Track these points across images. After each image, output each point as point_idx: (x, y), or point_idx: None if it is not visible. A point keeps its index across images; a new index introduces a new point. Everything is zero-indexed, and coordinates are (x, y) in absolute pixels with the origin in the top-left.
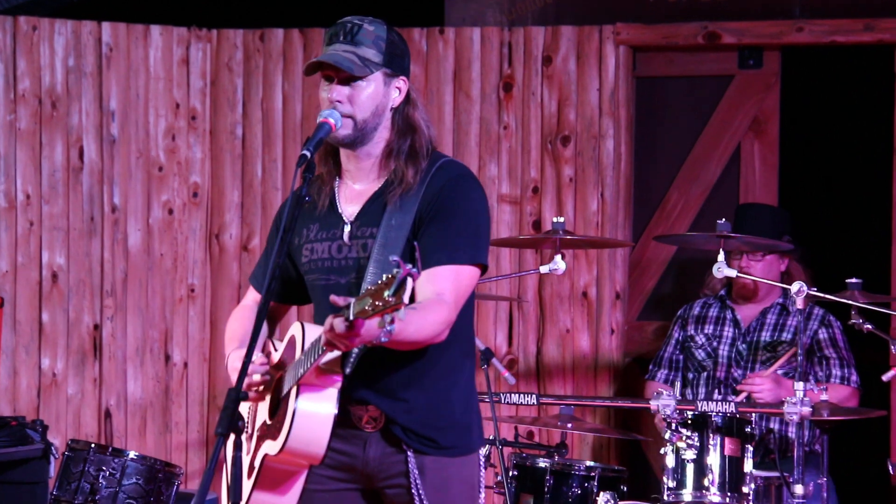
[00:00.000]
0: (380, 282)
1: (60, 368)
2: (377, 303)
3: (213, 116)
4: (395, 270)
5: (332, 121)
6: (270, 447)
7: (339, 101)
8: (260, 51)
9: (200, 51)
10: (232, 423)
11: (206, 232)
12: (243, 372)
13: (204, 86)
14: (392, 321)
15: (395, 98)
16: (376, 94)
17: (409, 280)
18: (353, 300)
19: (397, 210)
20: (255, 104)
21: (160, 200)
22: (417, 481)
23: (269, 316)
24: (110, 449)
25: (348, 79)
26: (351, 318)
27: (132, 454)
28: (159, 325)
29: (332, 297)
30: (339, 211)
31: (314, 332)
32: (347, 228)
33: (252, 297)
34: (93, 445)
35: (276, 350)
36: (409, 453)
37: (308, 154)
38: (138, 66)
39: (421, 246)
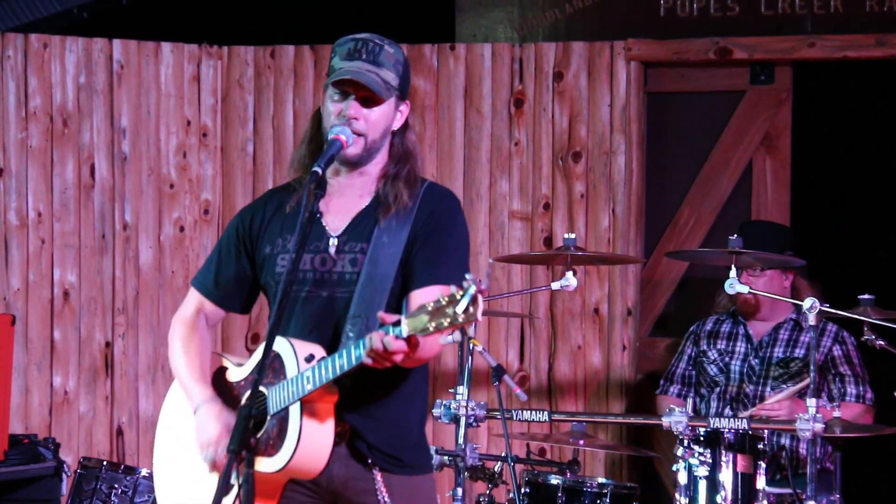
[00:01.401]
0: (440, 299)
1: (72, 386)
2: (441, 320)
3: (225, 133)
4: (453, 289)
5: (343, 138)
6: (268, 464)
7: (355, 118)
8: (271, 67)
9: (211, 68)
10: (244, 440)
11: None
12: (255, 387)
13: (215, 103)
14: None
15: (398, 121)
16: (388, 116)
17: (481, 297)
18: (403, 317)
19: (389, 229)
20: (266, 121)
21: (171, 218)
22: (386, 499)
23: (208, 324)
24: (122, 466)
25: (367, 99)
26: (404, 335)
27: (144, 471)
28: None
29: (381, 315)
30: (324, 224)
31: (307, 348)
32: (333, 242)
33: (194, 305)
34: (105, 463)
35: (233, 365)
36: (375, 471)
37: (319, 171)
38: (149, 83)
39: (413, 265)
